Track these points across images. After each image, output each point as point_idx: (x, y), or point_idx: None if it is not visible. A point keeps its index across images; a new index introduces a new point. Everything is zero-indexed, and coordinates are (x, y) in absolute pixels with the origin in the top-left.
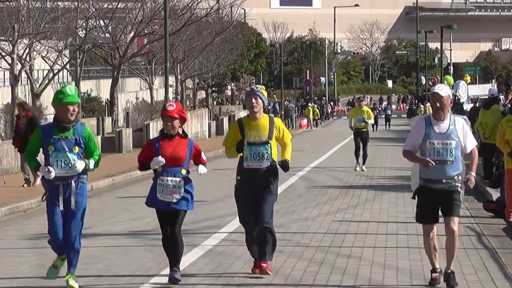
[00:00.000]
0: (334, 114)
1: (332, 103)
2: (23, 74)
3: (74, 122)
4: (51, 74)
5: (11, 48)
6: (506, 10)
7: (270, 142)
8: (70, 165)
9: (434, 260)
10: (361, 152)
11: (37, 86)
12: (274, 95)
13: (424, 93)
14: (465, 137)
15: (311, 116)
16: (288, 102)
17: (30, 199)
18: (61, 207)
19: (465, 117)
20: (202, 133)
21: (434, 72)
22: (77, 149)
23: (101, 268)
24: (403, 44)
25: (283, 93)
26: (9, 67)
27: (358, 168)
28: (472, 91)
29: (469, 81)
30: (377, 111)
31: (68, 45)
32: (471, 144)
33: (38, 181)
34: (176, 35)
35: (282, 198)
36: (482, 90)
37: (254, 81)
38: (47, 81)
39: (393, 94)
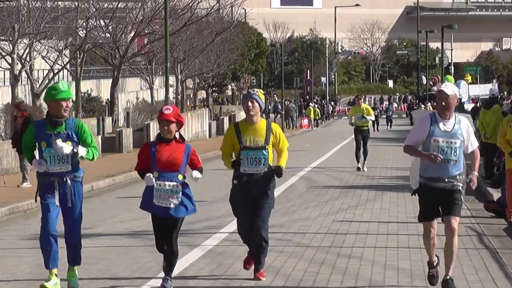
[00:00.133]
0: (335, 114)
1: (333, 103)
2: (23, 74)
3: (67, 117)
4: (51, 74)
5: (11, 48)
6: (507, 10)
7: (267, 147)
8: (63, 161)
9: (432, 253)
10: (361, 152)
11: (37, 86)
12: (275, 95)
13: (425, 93)
14: (469, 137)
15: (312, 116)
16: (288, 102)
17: (30, 199)
18: (57, 202)
19: (468, 115)
20: (202, 133)
21: (435, 72)
22: (69, 143)
23: (102, 268)
24: (404, 44)
25: (283, 93)
26: (9, 67)
27: (360, 166)
28: (473, 91)
29: (470, 81)
30: (378, 111)
31: (68, 45)
32: (473, 145)
33: (25, 185)
34: (176, 35)
35: (282, 198)
36: (483, 90)
37: (254, 81)
38: (47, 81)
39: (397, 94)
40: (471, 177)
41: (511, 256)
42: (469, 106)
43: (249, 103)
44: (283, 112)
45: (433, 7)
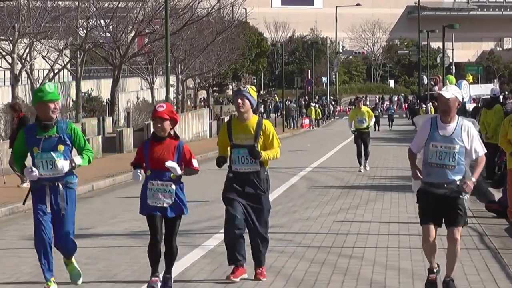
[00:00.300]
0: (336, 114)
1: (333, 102)
2: (24, 74)
3: (56, 119)
4: (52, 74)
5: (11, 48)
6: (508, 10)
7: (256, 144)
8: (55, 166)
9: (432, 260)
10: (363, 154)
11: (38, 85)
12: (276, 95)
13: (426, 92)
14: (472, 142)
15: (313, 116)
16: (289, 102)
17: (30, 199)
18: (48, 209)
19: (474, 120)
20: (203, 133)
21: (436, 72)
22: (62, 147)
23: (102, 269)
24: (405, 43)
25: (284, 93)
26: (10, 66)
27: (362, 170)
28: (474, 90)
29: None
30: (379, 111)
31: (69, 45)
32: (478, 151)
33: (25, 185)
34: (177, 35)
35: (283, 198)
36: (484, 89)
37: (255, 81)
38: (47, 80)
39: (402, 94)
40: (466, 180)
41: None
42: (470, 106)
43: (239, 100)
44: (284, 112)
45: (434, 7)
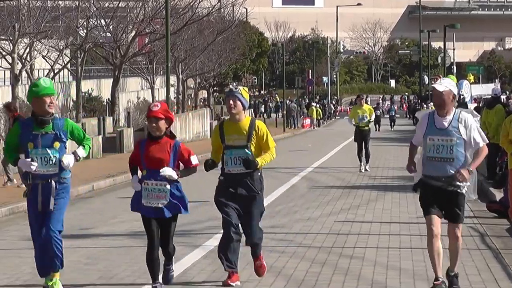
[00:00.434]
0: (337, 113)
1: (334, 102)
2: (24, 74)
3: (53, 115)
4: (52, 74)
5: (11, 48)
6: (509, 9)
7: (249, 145)
8: (50, 162)
9: (437, 269)
10: (363, 152)
11: None
12: (276, 95)
13: (427, 92)
14: (470, 133)
15: (314, 116)
16: (290, 102)
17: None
18: (40, 208)
19: (472, 110)
20: (203, 132)
21: (437, 72)
22: (57, 144)
23: (102, 269)
24: (406, 43)
25: (285, 93)
26: (10, 66)
27: (362, 169)
28: (475, 90)
29: (472, 80)
30: (380, 111)
31: (69, 45)
32: (478, 141)
33: (10, 184)
34: (177, 34)
35: (284, 198)
36: (486, 89)
37: (256, 81)
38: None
39: (406, 94)
40: (461, 170)
41: None
42: (471, 106)
43: (231, 101)
44: (285, 112)
45: (435, 7)
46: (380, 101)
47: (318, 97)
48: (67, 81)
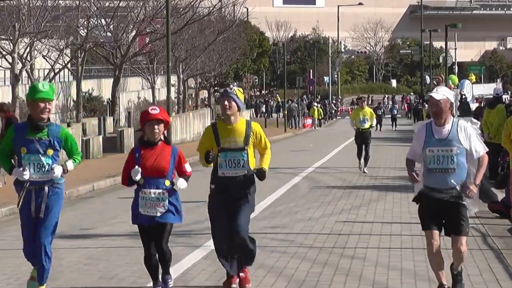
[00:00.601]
0: (338, 113)
1: (334, 102)
2: (24, 74)
3: (48, 121)
4: (52, 74)
5: (11, 47)
6: (511, 9)
7: (246, 148)
8: (43, 169)
9: (441, 277)
10: (363, 154)
11: None
12: (277, 95)
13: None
14: (470, 142)
15: (316, 116)
16: (291, 102)
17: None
18: (33, 214)
19: (471, 118)
20: None
21: (439, 71)
22: (51, 152)
23: (102, 269)
24: (408, 43)
25: (286, 93)
26: (10, 66)
27: (362, 166)
28: (477, 90)
29: (474, 80)
30: (382, 111)
31: (69, 44)
32: (478, 150)
33: (0, 185)
34: (178, 34)
35: (285, 198)
36: (487, 89)
37: (257, 80)
38: (48, 80)
39: (411, 93)
40: (469, 185)
41: None
42: (473, 106)
43: (226, 102)
44: (286, 112)
45: (437, 6)
46: (386, 100)
47: (319, 96)
48: (68, 81)
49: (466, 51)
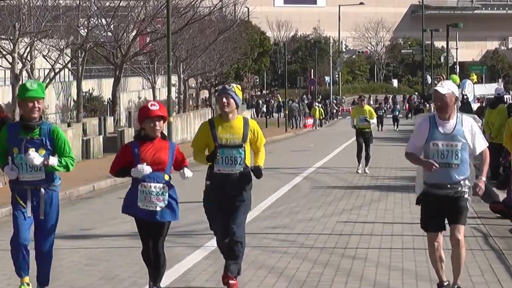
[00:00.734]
0: (339, 113)
1: (335, 101)
2: (24, 73)
3: (39, 120)
4: (53, 73)
5: (12, 47)
6: None
7: (244, 145)
8: (36, 169)
9: (441, 273)
10: (363, 154)
11: None
12: (278, 95)
13: (430, 92)
14: (474, 138)
15: (317, 116)
16: (291, 102)
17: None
18: (29, 214)
19: (475, 115)
20: None
21: (440, 71)
22: (43, 151)
23: (103, 269)
24: (409, 42)
25: (287, 93)
26: (10, 66)
27: (360, 171)
28: (478, 90)
29: (475, 80)
30: (383, 111)
31: (70, 44)
32: (481, 145)
33: (0, 185)
34: (179, 34)
35: (286, 198)
36: (489, 89)
37: (258, 80)
38: (48, 80)
39: (415, 93)
40: (478, 182)
41: None
42: (474, 106)
43: (224, 99)
44: (287, 112)
45: (438, 6)
46: (390, 100)
47: (320, 96)
48: (68, 81)
49: (468, 51)
